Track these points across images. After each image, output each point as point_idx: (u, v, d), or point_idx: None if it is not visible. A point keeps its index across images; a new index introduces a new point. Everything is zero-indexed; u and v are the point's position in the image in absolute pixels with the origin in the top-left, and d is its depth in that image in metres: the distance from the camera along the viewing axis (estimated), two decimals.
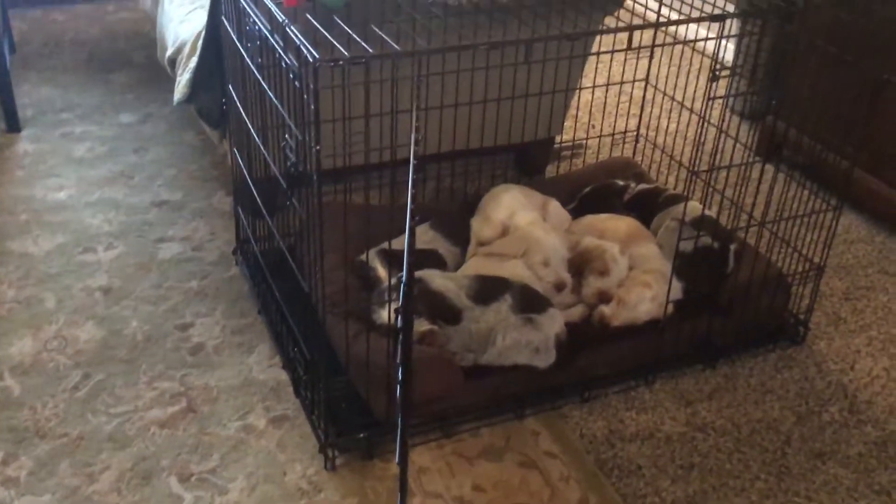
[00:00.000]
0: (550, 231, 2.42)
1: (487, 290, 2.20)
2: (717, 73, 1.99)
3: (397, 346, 1.91)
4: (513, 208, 2.50)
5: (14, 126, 3.34)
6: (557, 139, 3.11)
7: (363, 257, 2.36)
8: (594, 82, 3.01)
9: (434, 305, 2.17)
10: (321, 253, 1.85)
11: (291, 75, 1.71)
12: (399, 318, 1.57)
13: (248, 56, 2.04)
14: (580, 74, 2.84)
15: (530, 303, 2.18)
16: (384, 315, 2.11)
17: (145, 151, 3.25)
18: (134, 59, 4.01)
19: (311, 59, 1.59)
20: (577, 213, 2.66)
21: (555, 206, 2.61)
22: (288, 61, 1.71)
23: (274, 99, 1.90)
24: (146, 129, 3.41)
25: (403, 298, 1.45)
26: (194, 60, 2.63)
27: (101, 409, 2.13)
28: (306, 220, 1.84)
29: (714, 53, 2.01)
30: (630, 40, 1.94)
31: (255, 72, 1.98)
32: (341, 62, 1.60)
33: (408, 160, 2.75)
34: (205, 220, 2.85)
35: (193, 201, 2.96)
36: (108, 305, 2.47)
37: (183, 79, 2.67)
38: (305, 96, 1.65)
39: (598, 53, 2.50)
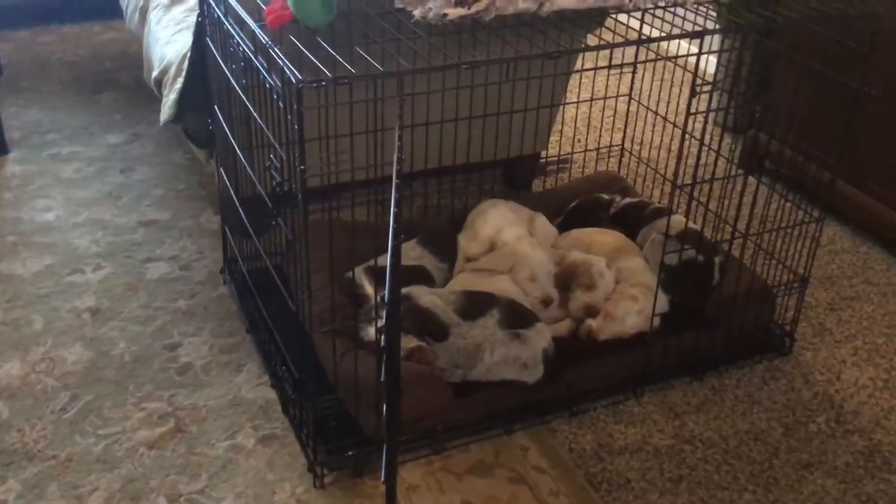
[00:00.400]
0: (537, 246, 2.43)
1: (474, 305, 2.21)
2: (698, 88, 2.01)
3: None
4: (500, 224, 2.51)
5: (1, 148, 3.35)
6: (543, 154, 3.13)
7: (350, 275, 2.37)
8: (579, 98, 3.03)
9: (422, 322, 2.17)
10: (308, 272, 1.86)
11: (276, 96, 1.72)
12: (384, 337, 1.58)
13: (232, 77, 2.05)
14: (564, 90, 2.86)
15: (517, 318, 2.20)
16: (372, 332, 2.12)
17: (133, 171, 3.26)
18: (121, 79, 4.02)
19: (294, 81, 1.61)
20: (563, 228, 2.68)
21: (541, 220, 2.62)
22: (272, 82, 1.72)
23: (259, 119, 1.91)
24: (133, 149, 3.42)
25: (387, 319, 1.45)
26: (180, 81, 2.64)
27: (89, 431, 2.12)
28: (292, 239, 1.84)
29: (695, 69, 2.03)
30: (611, 58, 1.96)
31: (240, 93, 2.00)
32: (325, 83, 1.61)
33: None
34: (192, 240, 2.86)
35: (181, 221, 2.96)
36: (96, 327, 2.47)
37: (169, 99, 2.68)
38: (290, 117, 1.67)
39: (581, 71, 2.53)
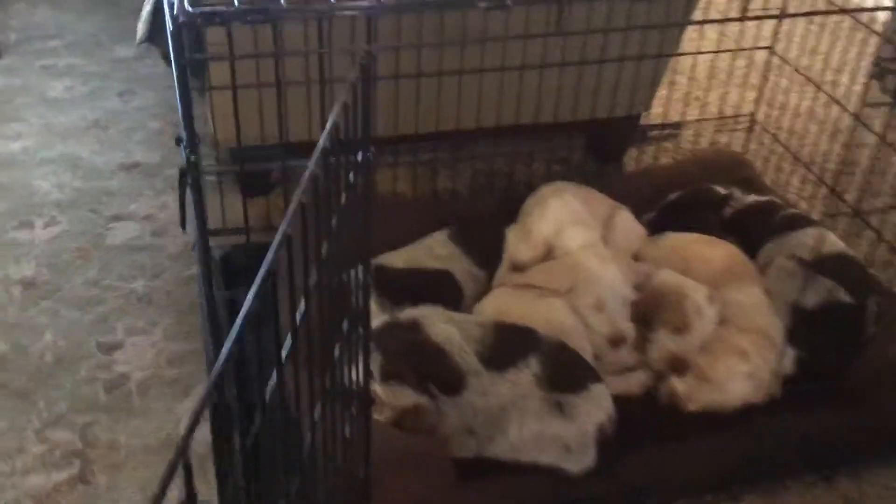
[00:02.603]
0: (611, 261, 1.72)
1: (506, 347, 1.54)
2: (882, 62, 1.24)
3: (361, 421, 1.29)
4: (562, 221, 1.81)
5: None
6: (643, 116, 2.37)
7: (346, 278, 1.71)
8: (698, 47, 2.24)
9: (428, 364, 1.52)
10: (210, 276, 1.22)
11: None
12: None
13: None
14: (679, 36, 2.08)
15: (565, 374, 1.52)
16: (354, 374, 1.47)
17: (132, 95, 2.65)
18: None
19: (179, 11, 0.93)
20: (655, 229, 1.94)
21: (624, 218, 1.89)
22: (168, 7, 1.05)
23: None
24: (141, 67, 2.81)
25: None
26: None
27: None
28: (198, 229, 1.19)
29: (884, 31, 1.25)
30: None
31: None
32: (222, 15, 0.93)
33: (435, 134, 2.08)
34: (178, 195, 2.24)
35: (170, 166, 2.35)
36: (25, 306, 1.90)
37: (144, 13, 2.04)
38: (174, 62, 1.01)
39: (702, 22, 1.76)
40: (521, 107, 2.04)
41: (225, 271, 1.92)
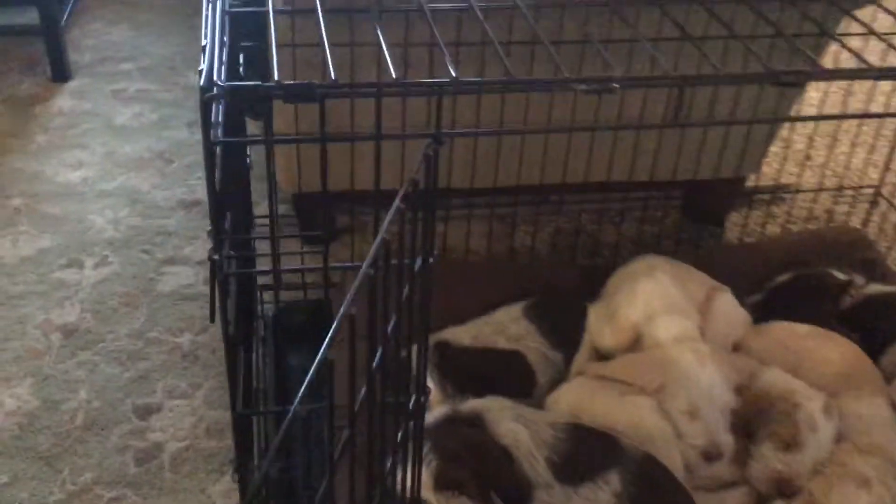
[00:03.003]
0: (709, 359, 1.48)
1: (583, 456, 1.33)
2: None
3: None
4: (654, 305, 1.58)
5: (60, 74, 2.70)
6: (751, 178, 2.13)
7: (405, 354, 1.52)
8: (820, 106, 1.98)
9: (492, 470, 1.32)
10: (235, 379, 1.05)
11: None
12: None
13: None
14: (798, 94, 1.84)
15: (651, 496, 1.30)
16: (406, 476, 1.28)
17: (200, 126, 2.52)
18: None
19: (206, 82, 0.76)
20: (761, 315, 1.69)
21: (725, 301, 1.65)
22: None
23: None
24: None
25: None
26: None
27: None
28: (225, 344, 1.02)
29: None
30: None
31: None
32: (256, 90, 0.76)
33: (516, 187, 1.90)
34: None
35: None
36: (62, 357, 1.77)
37: None
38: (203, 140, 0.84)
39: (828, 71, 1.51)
40: (613, 164, 1.83)
41: (276, 329, 1.76)
